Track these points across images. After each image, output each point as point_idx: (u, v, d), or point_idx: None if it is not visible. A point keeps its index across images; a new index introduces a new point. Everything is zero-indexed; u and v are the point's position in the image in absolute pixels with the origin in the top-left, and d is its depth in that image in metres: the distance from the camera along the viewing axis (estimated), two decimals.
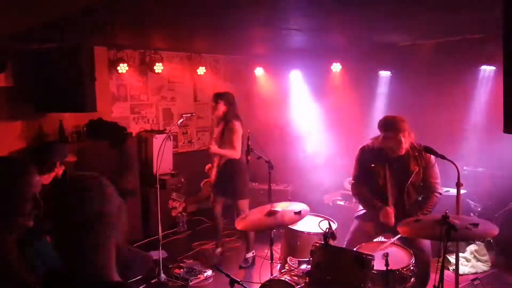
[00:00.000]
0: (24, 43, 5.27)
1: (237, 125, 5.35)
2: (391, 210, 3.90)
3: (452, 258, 4.78)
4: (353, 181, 4.26)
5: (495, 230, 3.00)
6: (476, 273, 4.98)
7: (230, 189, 5.46)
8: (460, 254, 5.01)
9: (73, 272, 1.48)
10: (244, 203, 5.46)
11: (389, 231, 3.82)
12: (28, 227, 1.93)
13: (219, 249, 5.83)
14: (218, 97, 5.47)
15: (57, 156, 3.62)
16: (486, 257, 5.25)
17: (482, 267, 5.16)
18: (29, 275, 1.86)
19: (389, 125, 3.92)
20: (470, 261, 5.24)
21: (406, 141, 3.89)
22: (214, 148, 5.36)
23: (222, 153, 5.36)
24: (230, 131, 5.34)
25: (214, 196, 5.68)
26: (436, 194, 4.00)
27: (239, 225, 3.77)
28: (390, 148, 3.94)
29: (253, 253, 5.57)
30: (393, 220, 3.86)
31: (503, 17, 2.26)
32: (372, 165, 4.08)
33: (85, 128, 5.81)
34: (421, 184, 4.04)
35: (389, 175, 4.01)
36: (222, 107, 5.41)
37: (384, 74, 6.50)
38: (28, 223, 1.93)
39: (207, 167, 5.69)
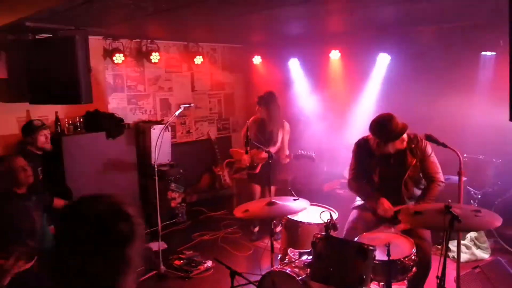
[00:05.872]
0: (17, 34, 5.17)
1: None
2: (387, 202, 3.86)
3: (452, 246, 4.77)
4: (350, 176, 4.20)
5: (498, 221, 2.96)
6: (476, 260, 4.97)
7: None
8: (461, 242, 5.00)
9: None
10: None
11: (389, 221, 3.80)
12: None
13: (257, 228, 6.08)
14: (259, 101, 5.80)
15: None
16: (486, 244, 5.24)
17: (482, 254, 5.16)
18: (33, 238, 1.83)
19: (391, 136, 3.79)
20: (470, 248, 5.22)
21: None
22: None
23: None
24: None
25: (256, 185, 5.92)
26: (439, 183, 3.95)
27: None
28: (394, 149, 3.89)
29: (258, 228, 6.06)
30: (390, 213, 3.82)
31: (509, 5, 2.21)
32: (368, 161, 4.04)
33: (81, 120, 5.75)
34: (420, 176, 3.99)
35: (385, 172, 3.97)
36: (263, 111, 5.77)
37: (384, 60, 6.42)
38: None
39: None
